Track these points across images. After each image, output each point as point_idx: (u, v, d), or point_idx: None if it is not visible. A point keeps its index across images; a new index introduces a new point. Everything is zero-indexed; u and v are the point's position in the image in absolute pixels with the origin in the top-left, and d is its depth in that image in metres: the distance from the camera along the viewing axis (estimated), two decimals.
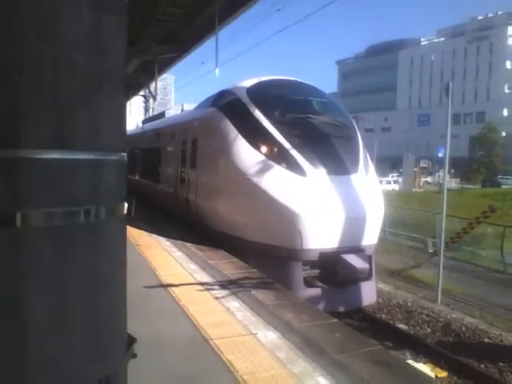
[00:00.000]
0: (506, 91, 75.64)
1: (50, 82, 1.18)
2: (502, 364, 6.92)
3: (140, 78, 23.47)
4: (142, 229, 10.61)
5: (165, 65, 22.25)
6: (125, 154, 1.43)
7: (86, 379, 1.26)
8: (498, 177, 55.89)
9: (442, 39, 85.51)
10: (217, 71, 15.22)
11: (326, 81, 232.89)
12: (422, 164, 56.38)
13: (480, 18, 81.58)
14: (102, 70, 1.29)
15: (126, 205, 1.44)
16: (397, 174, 53.00)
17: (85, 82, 1.25)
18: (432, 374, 6.35)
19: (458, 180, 55.90)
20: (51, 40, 1.15)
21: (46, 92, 1.17)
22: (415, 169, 50.36)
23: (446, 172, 10.79)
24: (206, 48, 19.06)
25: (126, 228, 1.48)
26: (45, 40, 1.14)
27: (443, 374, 6.65)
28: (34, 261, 1.14)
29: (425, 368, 6.53)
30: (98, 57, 1.26)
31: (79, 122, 1.24)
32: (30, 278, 1.13)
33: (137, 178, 18.65)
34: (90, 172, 1.27)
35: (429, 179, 56.04)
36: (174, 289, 6.10)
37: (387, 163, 56.04)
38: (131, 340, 1.48)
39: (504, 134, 68.03)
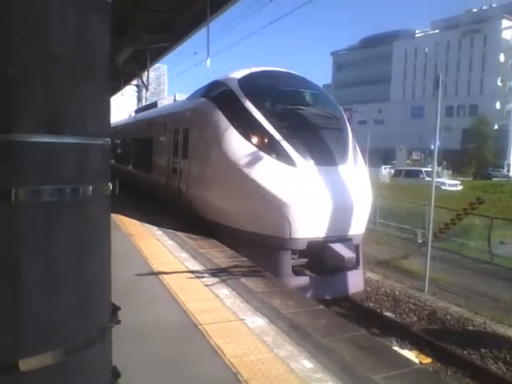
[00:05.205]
0: (499, 84, 75.82)
1: (41, 75, 1.31)
2: (483, 350, 7.14)
3: (132, 68, 23.25)
4: (134, 218, 10.69)
5: (157, 54, 22.06)
6: (109, 139, 1.58)
7: (75, 337, 1.39)
8: (490, 169, 56.27)
9: (437, 31, 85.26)
10: (208, 62, 15.15)
11: (319, 73, 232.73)
12: (414, 156, 56.59)
13: (474, 10, 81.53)
14: (88, 62, 1.42)
15: (110, 185, 1.59)
16: (389, 166, 53.25)
17: (72, 74, 1.38)
18: (416, 360, 6.53)
19: (450, 172, 56.30)
20: (40, 38, 1.29)
21: (37, 83, 1.31)
22: (407, 161, 50.65)
23: (435, 165, 10.92)
24: (199, 37, 18.95)
25: (109, 204, 1.65)
26: (34, 38, 1.28)
27: (427, 360, 6.84)
28: (27, 231, 1.30)
29: (410, 354, 6.70)
30: (83, 51, 1.39)
31: (67, 109, 1.38)
32: (23, 245, 1.30)
33: (129, 167, 18.59)
34: (77, 154, 1.42)
35: None
36: (165, 276, 6.21)
37: (380, 155, 56.12)
38: (116, 308, 1.63)
39: (496, 126, 68.32)
